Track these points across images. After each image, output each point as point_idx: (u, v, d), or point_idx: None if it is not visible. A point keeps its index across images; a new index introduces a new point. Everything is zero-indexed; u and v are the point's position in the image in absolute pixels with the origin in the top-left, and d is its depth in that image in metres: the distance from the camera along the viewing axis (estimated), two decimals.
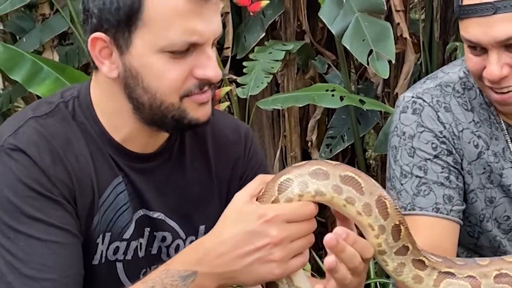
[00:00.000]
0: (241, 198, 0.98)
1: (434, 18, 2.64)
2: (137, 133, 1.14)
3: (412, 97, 1.44)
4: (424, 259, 1.04)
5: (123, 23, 1.04)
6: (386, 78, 2.25)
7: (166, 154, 1.18)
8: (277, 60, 2.38)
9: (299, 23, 2.67)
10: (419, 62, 2.74)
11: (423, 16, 2.75)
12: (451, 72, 1.47)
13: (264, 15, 2.52)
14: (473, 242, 1.50)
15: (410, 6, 2.84)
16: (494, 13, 1.26)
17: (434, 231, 1.37)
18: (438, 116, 1.41)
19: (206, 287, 0.98)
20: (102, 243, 1.12)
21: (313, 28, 2.75)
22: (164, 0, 1.03)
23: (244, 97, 2.34)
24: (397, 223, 0.98)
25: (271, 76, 2.36)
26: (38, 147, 1.06)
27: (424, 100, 1.42)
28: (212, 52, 1.07)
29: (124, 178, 1.14)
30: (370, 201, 0.96)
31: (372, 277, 2.36)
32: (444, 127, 1.41)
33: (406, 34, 2.47)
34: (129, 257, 1.15)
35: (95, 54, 1.08)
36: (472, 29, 1.29)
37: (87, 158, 1.11)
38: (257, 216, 0.95)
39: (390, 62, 2.15)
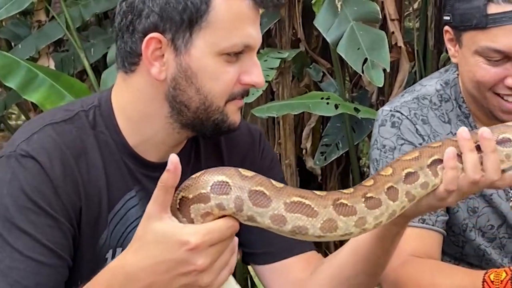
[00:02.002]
0: (154, 214, 0.90)
1: (428, 27, 2.66)
2: (163, 141, 1.13)
3: (390, 110, 1.46)
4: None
5: (186, 23, 1.05)
6: (380, 86, 2.26)
7: (183, 162, 1.18)
8: (272, 68, 2.39)
9: (294, 31, 2.68)
10: (413, 71, 2.76)
11: (417, 25, 2.76)
12: (428, 85, 1.48)
13: (260, 23, 2.53)
14: (459, 251, 1.52)
15: (405, 15, 2.87)
16: None
17: (422, 241, 1.39)
18: (417, 129, 1.43)
19: None
20: (112, 259, 1.11)
21: (308, 36, 2.77)
22: (229, 4, 1.06)
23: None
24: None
25: (267, 84, 2.37)
26: (50, 156, 1.06)
27: (402, 113, 1.44)
28: (257, 60, 1.10)
29: (141, 191, 1.13)
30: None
31: None
32: (423, 139, 1.42)
33: (400, 43, 2.48)
34: None
35: (147, 55, 1.07)
36: (503, 38, 1.26)
37: (100, 170, 1.10)
38: (179, 243, 0.88)
39: (384, 70, 2.16)
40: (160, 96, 1.10)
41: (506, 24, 1.24)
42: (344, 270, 1.14)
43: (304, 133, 2.73)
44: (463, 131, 0.98)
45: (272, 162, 1.29)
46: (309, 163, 2.71)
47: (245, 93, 1.12)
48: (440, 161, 0.98)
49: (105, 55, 2.65)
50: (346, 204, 0.93)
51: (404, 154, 1.01)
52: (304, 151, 2.74)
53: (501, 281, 1.17)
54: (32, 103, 2.53)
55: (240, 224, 1.23)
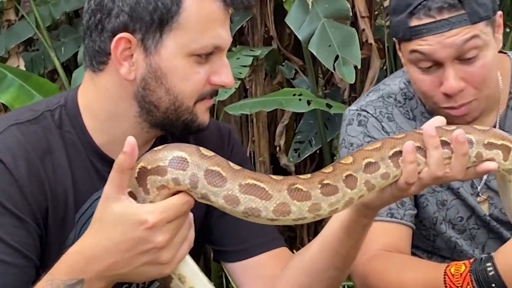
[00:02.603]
0: (111, 196, 0.92)
1: None
2: None
3: (357, 110, 1.49)
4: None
5: (157, 24, 1.05)
6: (352, 83, 2.28)
7: None
8: (245, 66, 2.40)
9: (266, 29, 2.69)
10: (384, 68, 2.78)
11: (388, 23, 2.78)
12: (392, 84, 1.51)
13: (232, 21, 2.53)
14: (430, 245, 1.54)
15: (376, 12, 2.89)
16: (450, 29, 1.29)
17: (391, 236, 1.41)
18: (383, 126, 1.46)
19: None
20: None
21: (281, 34, 2.77)
22: (200, 5, 1.06)
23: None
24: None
25: (239, 82, 2.37)
26: (15, 156, 1.05)
27: (368, 112, 1.47)
28: (227, 61, 1.11)
29: None
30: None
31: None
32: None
33: (371, 40, 2.50)
34: None
35: (116, 55, 1.07)
36: (427, 46, 1.30)
37: (66, 169, 1.09)
38: (137, 222, 0.90)
39: (356, 67, 2.18)
40: (128, 96, 1.10)
41: (426, 35, 1.30)
42: (315, 264, 1.15)
43: (277, 131, 2.74)
44: (429, 128, 0.98)
45: (242, 160, 1.29)
46: (283, 160, 2.72)
47: (214, 93, 1.12)
48: (402, 153, 0.99)
49: (75, 54, 2.63)
50: (301, 189, 0.93)
51: (366, 144, 1.02)
52: (277, 148, 2.75)
53: (461, 274, 1.19)
54: (2, 103, 2.50)
55: (210, 223, 1.25)
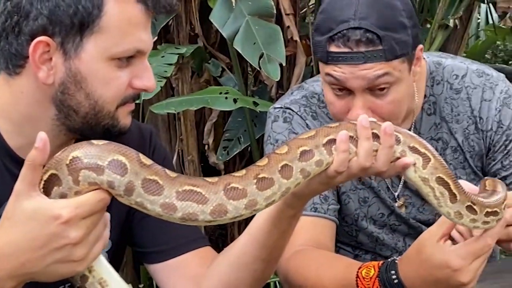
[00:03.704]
0: (23, 193, 0.90)
1: None
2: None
3: (281, 107, 1.51)
4: None
5: (77, 28, 1.03)
6: (278, 80, 2.30)
7: None
8: (170, 64, 2.37)
9: (192, 26, 2.67)
10: (311, 64, 2.82)
11: (313, 20, 2.82)
12: (315, 84, 1.53)
13: (156, 19, 2.50)
14: (354, 240, 1.57)
15: (302, 10, 2.92)
16: (364, 62, 1.29)
17: (315, 230, 1.43)
18: (307, 124, 1.48)
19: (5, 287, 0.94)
20: None
21: (207, 32, 2.76)
22: (122, 9, 1.05)
23: (137, 101, 2.30)
24: None
25: (165, 80, 2.35)
26: None
27: (292, 110, 1.49)
28: (148, 64, 1.10)
29: None
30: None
31: (271, 276, 2.39)
32: None
33: (296, 37, 2.53)
34: None
35: (34, 59, 1.04)
36: (341, 73, 1.31)
37: None
38: (52, 217, 0.89)
39: (281, 64, 2.19)
40: (46, 99, 1.08)
41: (341, 63, 1.31)
42: (241, 257, 1.15)
43: (206, 129, 2.73)
44: (363, 119, 1.00)
45: (164, 161, 1.28)
46: (212, 159, 2.71)
47: (136, 97, 1.12)
48: (336, 141, 1.01)
49: None
50: (237, 188, 0.94)
51: (301, 133, 1.03)
52: (206, 146, 2.74)
53: (370, 277, 1.21)
54: None
55: (132, 224, 1.23)
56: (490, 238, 1.09)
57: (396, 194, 1.52)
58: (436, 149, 1.45)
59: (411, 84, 1.39)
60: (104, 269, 0.99)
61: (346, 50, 1.30)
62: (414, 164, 1.03)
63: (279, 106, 1.52)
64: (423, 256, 1.13)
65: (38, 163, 0.89)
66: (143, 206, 0.92)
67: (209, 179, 0.94)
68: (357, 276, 1.23)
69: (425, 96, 1.48)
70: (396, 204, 1.51)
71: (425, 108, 1.48)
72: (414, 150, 1.03)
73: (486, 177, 1.16)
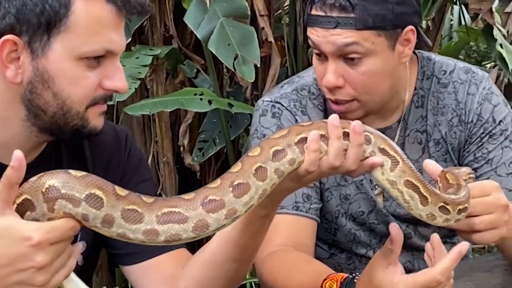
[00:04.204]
0: None
1: (297, 23, 2.73)
2: (19, 144, 1.08)
3: (271, 101, 1.50)
4: None
5: (44, 27, 1.03)
6: (253, 81, 2.29)
7: (44, 165, 1.14)
8: (145, 65, 2.36)
9: (166, 27, 2.66)
10: (286, 65, 2.83)
11: (288, 21, 2.83)
12: (306, 76, 1.54)
13: (130, 20, 2.49)
14: (331, 238, 1.58)
15: (276, 11, 2.92)
16: (335, 27, 1.33)
17: (295, 229, 1.42)
18: (296, 120, 1.48)
19: None
20: None
21: (182, 33, 2.75)
22: (91, 8, 1.05)
23: (112, 103, 2.29)
24: None
25: (139, 82, 2.33)
26: None
27: (282, 105, 1.49)
28: (120, 65, 1.09)
29: None
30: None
31: (247, 277, 2.40)
32: None
33: (271, 38, 2.53)
34: None
35: (2, 57, 1.04)
36: (316, 36, 1.36)
37: None
38: (22, 238, 0.89)
39: (256, 65, 2.19)
40: (16, 99, 1.07)
41: (316, 26, 1.36)
42: (214, 256, 1.15)
43: (181, 130, 2.72)
44: (334, 118, 1.01)
45: (139, 163, 1.28)
46: (187, 160, 2.70)
47: (108, 98, 1.11)
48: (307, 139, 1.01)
49: None
50: (215, 199, 0.94)
51: (273, 133, 1.03)
52: (182, 148, 2.73)
53: None
54: None
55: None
56: (440, 275, 1.05)
57: (375, 183, 1.52)
58: (421, 141, 1.50)
59: (393, 62, 1.39)
60: (75, 287, 0.98)
61: (321, 13, 1.34)
62: (382, 166, 1.03)
63: (269, 99, 1.50)
64: (375, 282, 1.10)
65: (15, 181, 0.89)
66: (125, 237, 0.92)
67: (185, 196, 0.95)
68: (322, 287, 1.21)
69: (415, 88, 1.50)
70: (376, 192, 1.51)
71: (414, 101, 1.50)
72: (383, 151, 1.03)
73: (443, 169, 1.15)
